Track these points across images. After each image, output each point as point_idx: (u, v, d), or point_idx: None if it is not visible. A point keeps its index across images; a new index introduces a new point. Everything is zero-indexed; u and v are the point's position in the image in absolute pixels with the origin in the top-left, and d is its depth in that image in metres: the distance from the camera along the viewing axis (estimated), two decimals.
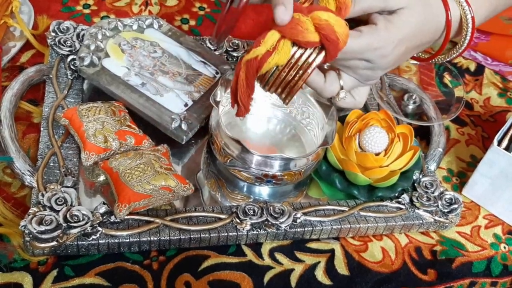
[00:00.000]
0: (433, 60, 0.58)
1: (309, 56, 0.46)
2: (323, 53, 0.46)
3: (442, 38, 0.54)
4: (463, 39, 0.54)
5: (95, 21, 0.79)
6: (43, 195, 0.54)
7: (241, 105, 0.50)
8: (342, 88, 0.53)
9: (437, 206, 0.63)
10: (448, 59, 0.58)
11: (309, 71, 0.47)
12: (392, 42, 0.49)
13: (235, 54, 0.75)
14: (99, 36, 0.67)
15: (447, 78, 0.78)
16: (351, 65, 0.51)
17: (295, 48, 0.46)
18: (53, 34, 0.68)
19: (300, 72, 0.47)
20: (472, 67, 0.86)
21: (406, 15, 0.50)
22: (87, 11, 0.81)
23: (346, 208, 0.61)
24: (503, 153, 0.62)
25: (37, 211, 0.52)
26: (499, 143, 0.64)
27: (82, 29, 0.70)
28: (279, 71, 0.47)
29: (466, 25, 0.53)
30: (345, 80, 0.53)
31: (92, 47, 0.66)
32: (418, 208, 0.63)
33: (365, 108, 0.74)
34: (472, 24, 0.53)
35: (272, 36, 0.45)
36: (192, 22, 0.84)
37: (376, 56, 0.50)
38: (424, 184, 0.65)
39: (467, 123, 0.78)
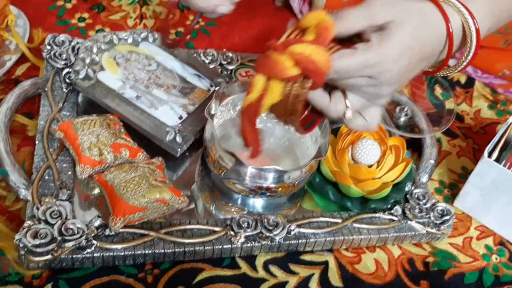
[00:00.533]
0: (438, 73, 0.58)
1: (300, 85, 0.47)
2: (311, 80, 0.47)
3: (446, 49, 0.53)
4: (467, 52, 0.53)
5: (90, 35, 0.80)
6: (38, 208, 0.54)
7: (252, 148, 0.52)
8: (347, 107, 0.52)
9: (429, 217, 0.64)
10: (452, 73, 0.57)
11: (303, 98, 0.48)
12: (390, 56, 0.49)
13: (229, 67, 0.76)
14: (94, 50, 0.68)
15: (438, 91, 0.79)
16: (353, 83, 0.50)
17: (283, 83, 0.47)
18: (48, 47, 0.69)
19: (296, 101, 0.48)
20: (463, 79, 0.88)
21: (398, 28, 0.49)
22: (82, 24, 0.81)
23: (339, 220, 0.62)
24: (493, 165, 0.63)
25: (32, 225, 0.52)
26: (490, 155, 0.65)
27: (77, 43, 0.70)
28: (278, 106, 0.49)
29: (470, 36, 0.52)
30: (351, 100, 0.52)
31: (87, 60, 0.66)
32: (411, 220, 0.63)
33: None
34: (477, 36, 0.52)
35: (259, 80, 0.47)
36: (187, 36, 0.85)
37: (376, 72, 0.49)
38: (416, 196, 0.66)
39: (458, 135, 0.79)
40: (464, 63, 0.55)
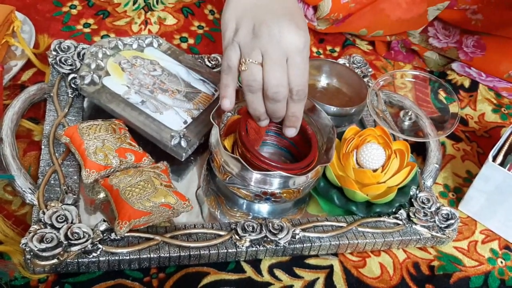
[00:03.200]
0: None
1: None
2: None
3: None
4: None
5: (96, 40, 0.80)
6: (44, 213, 0.54)
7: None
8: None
9: (434, 221, 0.64)
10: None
11: None
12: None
13: None
14: (100, 55, 0.68)
15: (442, 95, 0.79)
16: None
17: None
18: (54, 53, 0.69)
19: None
20: (467, 83, 0.88)
21: None
22: (87, 30, 0.82)
23: (344, 224, 0.62)
24: (498, 169, 0.63)
25: (38, 229, 0.53)
26: (494, 159, 0.65)
27: (83, 48, 0.71)
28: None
29: None
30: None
31: (93, 66, 0.67)
32: (415, 224, 0.63)
33: (362, 125, 0.75)
34: None
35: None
36: (191, 41, 0.85)
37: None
38: (421, 200, 0.66)
39: (462, 139, 0.79)
40: None
